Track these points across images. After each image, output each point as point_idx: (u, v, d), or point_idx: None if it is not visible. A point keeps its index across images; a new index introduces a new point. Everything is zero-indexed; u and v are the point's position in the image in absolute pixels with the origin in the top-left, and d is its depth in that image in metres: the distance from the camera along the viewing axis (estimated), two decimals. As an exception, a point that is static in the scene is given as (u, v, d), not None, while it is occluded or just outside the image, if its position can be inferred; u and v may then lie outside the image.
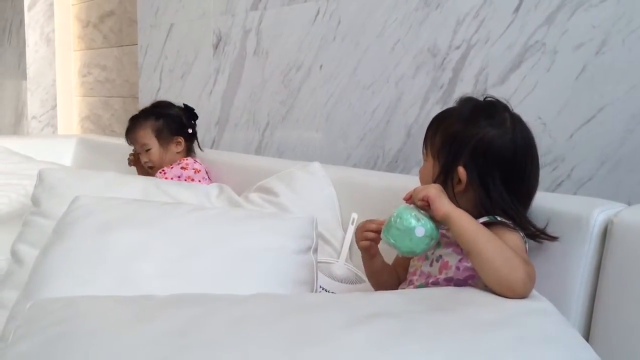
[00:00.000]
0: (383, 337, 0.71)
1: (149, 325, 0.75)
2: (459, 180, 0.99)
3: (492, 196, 0.97)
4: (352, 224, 1.38)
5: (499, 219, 0.96)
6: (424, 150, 1.07)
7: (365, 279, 1.29)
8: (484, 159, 0.97)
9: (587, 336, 0.97)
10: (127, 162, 2.00)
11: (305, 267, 1.11)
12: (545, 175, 1.29)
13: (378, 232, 1.02)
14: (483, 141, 0.97)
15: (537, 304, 0.84)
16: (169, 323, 0.75)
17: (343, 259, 1.34)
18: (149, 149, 1.81)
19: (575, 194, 1.25)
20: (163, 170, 1.77)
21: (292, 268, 1.09)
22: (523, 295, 0.85)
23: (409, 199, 0.97)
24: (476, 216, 0.97)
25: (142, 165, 1.85)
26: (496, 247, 0.87)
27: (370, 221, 1.06)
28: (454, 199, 0.98)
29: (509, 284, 0.84)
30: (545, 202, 1.05)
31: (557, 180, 1.28)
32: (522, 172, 0.99)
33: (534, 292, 0.88)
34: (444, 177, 1.00)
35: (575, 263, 0.99)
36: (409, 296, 0.88)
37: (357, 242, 1.07)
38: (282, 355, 0.68)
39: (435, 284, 0.99)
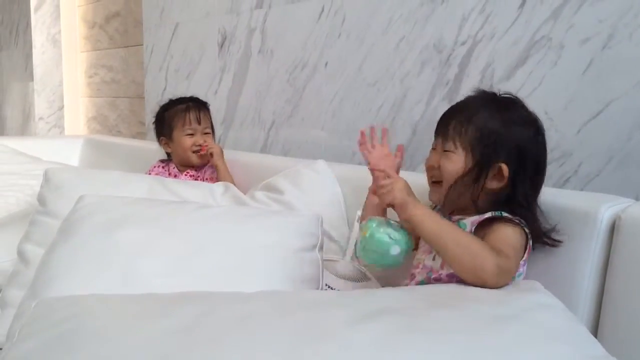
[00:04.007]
0: (389, 333, 0.71)
1: (154, 323, 0.75)
2: (500, 177, 0.99)
3: (516, 194, 0.99)
4: (358, 221, 1.37)
5: (504, 214, 0.97)
6: (445, 140, 1.03)
7: (370, 276, 1.28)
8: (521, 159, 0.99)
9: (595, 332, 0.96)
10: (132, 161, 2.00)
11: (310, 264, 1.11)
12: (552, 171, 1.28)
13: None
14: (522, 142, 0.99)
15: (543, 299, 0.83)
16: (175, 321, 0.75)
17: (349, 256, 1.34)
18: (208, 133, 1.80)
19: (582, 189, 1.24)
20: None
21: (297, 266, 1.09)
22: (495, 287, 0.87)
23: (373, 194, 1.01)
24: (485, 210, 0.98)
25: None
26: (461, 243, 0.90)
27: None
28: (479, 192, 0.99)
29: (479, 276, 0.87)
30: (552, 198, 1.05)
31: (564, 176, 1.27)
32: (543, 171, 1.03)
33: (540, 287, 0.88)
34: (479, 171, 1.00)
35: (582, 259, 0.98)
36: (414, 293, 0.88)
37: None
38: (288, 352, 0.68)
39: (438, 280, 0.99)
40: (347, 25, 1.74)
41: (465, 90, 1.45)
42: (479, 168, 1.00)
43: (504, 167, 0.98)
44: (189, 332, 0.72)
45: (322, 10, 1.80)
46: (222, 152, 1.78)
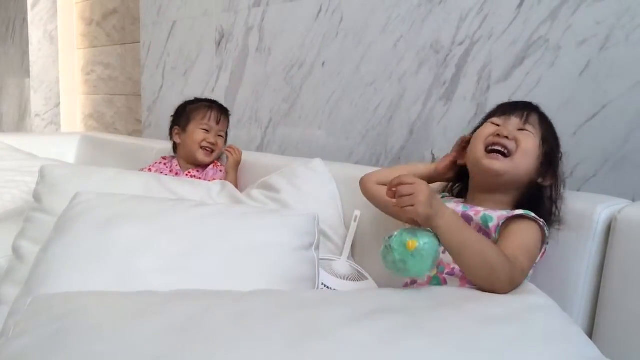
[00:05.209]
0: (387, 331, 0.71)
1: (150, 321, 0.75)
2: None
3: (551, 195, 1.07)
4: (355, 221, 1.37)
5: (531, 214, 0.99)
6: (526, 122, 1.07)
7: (367, 276, 1.28)
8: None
9: (590, 333, 0.96)
10: (132, 159, 1.99)
11: (306, 263, 1.11)
12: (548, 171, 1.28)
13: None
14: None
15: (539, 301, 0.84)
16: (170, 318, 0.75)
17: (345, 256, 1.34)
18: (221, 136, 1.84)
19: (579, 190, 1.24)
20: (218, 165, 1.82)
21: (293, 264, 1.09)
22: (503, 294, 0.88)
23: (392, 192, 0.90)
24: (517, 202, 1.05)
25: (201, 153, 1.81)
26: (481, 255, 0.89)
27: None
28: (544, 182, 1.07)
29: (491, 285, 0.88)
30: (548, 198, 1.05)
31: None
32: None
33: (535, 288, 0.88)
34: (547, 167, 1.07)
35: (579, 259, 0.98)
36: (412, 293, 0.88)
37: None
38: (284, 350, 0.68)
39: (451, 274, 0.99)
40: (344, 24, 1.74)
41: (462, 91, 1.46)
42: (547, 163, 1.06)
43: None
44: (185, 330, 0.72)
45: (320, 9, 1.80)
46: (237, 162, 1.79)
